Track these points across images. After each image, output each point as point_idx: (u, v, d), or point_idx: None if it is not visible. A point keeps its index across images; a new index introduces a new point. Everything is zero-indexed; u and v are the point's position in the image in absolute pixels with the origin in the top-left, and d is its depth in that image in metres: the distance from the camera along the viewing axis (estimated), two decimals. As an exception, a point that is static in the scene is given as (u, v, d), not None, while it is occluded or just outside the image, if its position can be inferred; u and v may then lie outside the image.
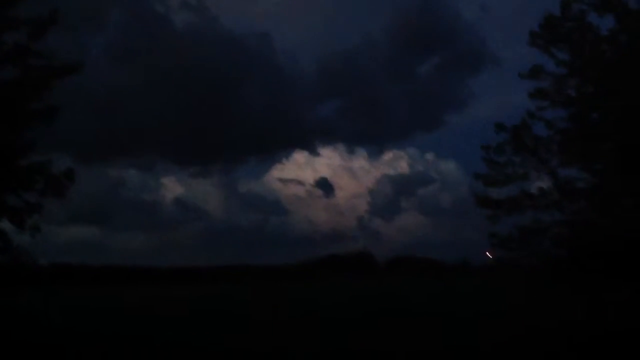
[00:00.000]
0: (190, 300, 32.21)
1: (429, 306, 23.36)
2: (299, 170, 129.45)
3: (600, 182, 27.90)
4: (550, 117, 28.87)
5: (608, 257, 25.26)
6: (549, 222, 28.52)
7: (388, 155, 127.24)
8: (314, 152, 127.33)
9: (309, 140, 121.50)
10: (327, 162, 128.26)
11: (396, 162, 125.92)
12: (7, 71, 21.46)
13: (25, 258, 20.99)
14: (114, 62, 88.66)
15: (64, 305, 28.82)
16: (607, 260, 25.22)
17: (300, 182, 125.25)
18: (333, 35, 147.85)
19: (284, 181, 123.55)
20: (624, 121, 26.27)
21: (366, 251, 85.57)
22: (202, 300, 32.15)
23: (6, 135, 21.14)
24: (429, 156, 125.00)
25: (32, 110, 21.64)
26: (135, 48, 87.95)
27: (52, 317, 21.17)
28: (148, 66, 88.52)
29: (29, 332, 16.55)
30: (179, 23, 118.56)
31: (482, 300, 25.49)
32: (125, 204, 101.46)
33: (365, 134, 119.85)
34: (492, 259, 34.91)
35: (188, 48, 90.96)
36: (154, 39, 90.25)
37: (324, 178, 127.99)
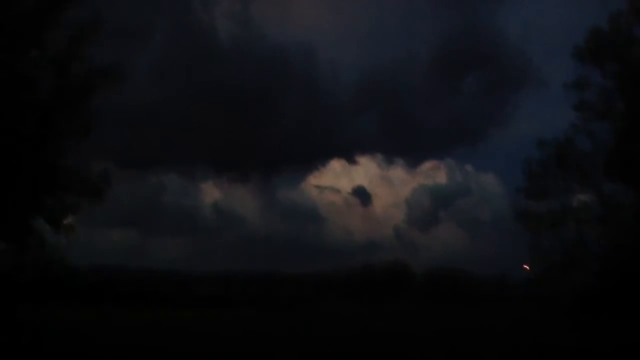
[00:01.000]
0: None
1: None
2: (336, 178, 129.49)
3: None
4: (595, 131, 28.02)
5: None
6: (592, 236, 27.64)
7: (426, 166, 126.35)
8: (352, 160, 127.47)
9: (347, 149, 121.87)
10: (365, 170, 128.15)
11: (434, 172, 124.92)
12: (49, 78, 21.66)
13: (59, 257, 21.12)
14: (158, 70, 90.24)
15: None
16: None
17: (337, 190, 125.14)
18: (376, 49, 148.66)
19: (320, 188, 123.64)
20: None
21: (402, 262, 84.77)
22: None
23: (47, 138, 21.36)
24: (468, 168, 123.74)
25: (73, 113, 21.82)
26: (181, 58, 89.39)
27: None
28: (192, 75, 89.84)
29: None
30: (223, 33, 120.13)
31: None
32: (164, 208, 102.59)
33: (404, 145, 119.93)
34: (529, 272, 33.99)
35: (232, 58, 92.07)
36: (199, 49, 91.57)
37: (361, 187, 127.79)
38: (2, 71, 20.73)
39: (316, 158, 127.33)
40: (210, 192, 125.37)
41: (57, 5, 21.57)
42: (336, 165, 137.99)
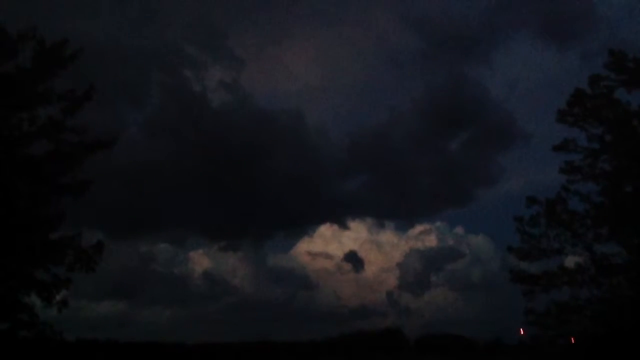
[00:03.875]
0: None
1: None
2: (327, 244, 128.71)
3: (636, 258, 27.04)
4: (584, 192, 28.36)
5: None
6: (586, 298, 27.54)
7: (417, 229, 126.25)
8: (343, 225, 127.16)
9: (338, 214, 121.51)
10: (356, 235, 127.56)
11: (425, 236, 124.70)
12: (40, 145, 21.72)
13: (51, 333, 20.63)
14: (150, 137, 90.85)
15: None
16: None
17: (328, 256, 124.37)
18: (362, 111, 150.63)
19: (312, 255, 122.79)
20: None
21: (395, 327, 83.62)
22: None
23: (37, 209, 21.25)
24: (459, 230, 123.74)
25: (63, 184, 21.79)
26: (171, 125, 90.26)
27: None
28: (182, 142, 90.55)
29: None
30: (215, 101, 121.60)
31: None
32: (154, 278, 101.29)
33: (394, 208, 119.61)
34: (524, 336, 33.44)
35: (222, 125, 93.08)
36: (189, 117, 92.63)
37: (353, 252, 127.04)
38: None
39: (308, 223, 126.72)
40: (201, 261, 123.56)
41: (48, 73, 21.81)
42: (327, 230, 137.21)
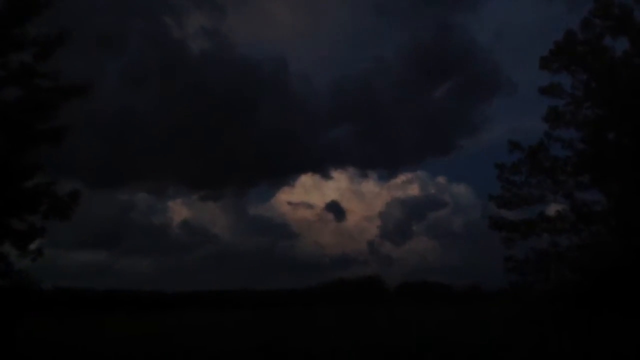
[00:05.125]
0: (196, 327, 31.53)
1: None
2: (309, 193, 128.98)
3: (616, 206, 27.24)
4: (566, 139, 28.34)
5: (626, 282, 24.50)
6: (566, 245, 27.80)
7: (400, 179, 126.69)
8: (326, 175, 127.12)
9: (320, 163, 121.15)
10: (338, 185, 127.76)
11: (407, 185, 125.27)
12: (12, 91, 21.03)
13: (27, 282, 20.36)
14: (129, 85, 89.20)
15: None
16: (625, 286, 24.46)
17: (310, 206, 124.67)
18: (346, 60, 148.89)
19: (293, 204, 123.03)
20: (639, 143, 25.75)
21: (376, 276, 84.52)
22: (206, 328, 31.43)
23: (11, 157, 20.67)
24: (441, 180, 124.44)
25: (38, 131, 21.17)
26: (150, 73, 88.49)
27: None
28: (162, 90, 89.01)
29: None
30: (195, 49, 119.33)
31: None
32: (135, 227, 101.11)
33: (377, 157, 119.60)
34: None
35: (203, 73, 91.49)
36: (169, 64, 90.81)
37: (334, 201, 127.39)
38: None
39: (290, 173, 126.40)
40: (181, 210, 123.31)
41: (21, 18, 21.00)
42: (308, 179, 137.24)
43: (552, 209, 28.52)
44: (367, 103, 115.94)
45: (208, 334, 26.70)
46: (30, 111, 21.09)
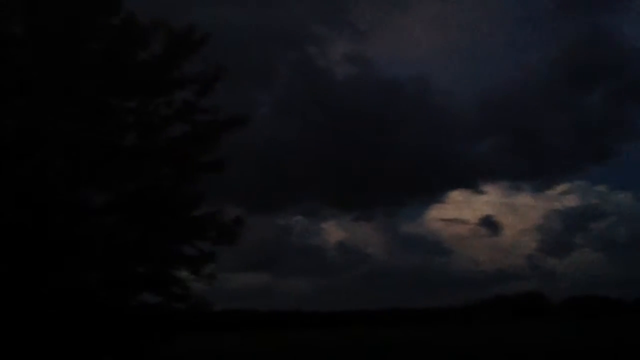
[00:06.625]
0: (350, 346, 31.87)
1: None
2: (460, 209, 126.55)
3: None
4: None
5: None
6: None
7: (556, 190, 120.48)
8: (477, 190, 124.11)
9: (470, 178, 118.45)
10: (490, 199, 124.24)
11: (565, 196, 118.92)
12: (177, 127, 22.69)
13: (203, 305, 21.77)
14: (279, 115, 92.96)
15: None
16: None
17: (462, 222, 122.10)
18: (492, 72, 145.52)
19: (445, 221, 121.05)
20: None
21: (537, 291, 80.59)
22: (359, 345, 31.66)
23: (179, 188, 22.32)
24: (601, 188, 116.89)
25: (201, 163, 22.69)
26: (299, 101, 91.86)
27: None
28: (311, 117, 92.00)
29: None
30: (339, 75, 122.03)
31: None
32: (292, 250, 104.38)
33: (529, 168, 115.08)
34: None
35: (349, 98, 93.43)
36: (317, 92, 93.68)
37: (488, 216, 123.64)
38: (130, 115, 21.95)
39: (439, 190, 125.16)
40: (334, 232, 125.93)
41: (180, 58, 22.56)
42: (459, 195, 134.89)
43: None
44: (515, 113, 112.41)
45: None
46: (194, 144, 22.67)
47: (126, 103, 22.15)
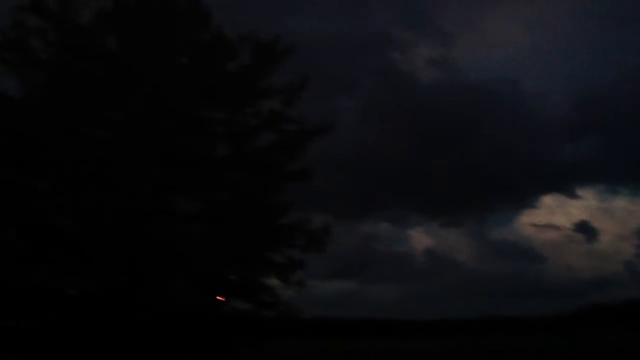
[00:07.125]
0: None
1: None
2: (554, 214, 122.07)
3: None
4: None
5: None
6: None
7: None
8: (571, 194, 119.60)
9: (564, 182, 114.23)
10: (585, 204, 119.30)
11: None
12: (265, 137, 23.12)
13: (292, 312, 22.01)
14: (364, 122, 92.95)
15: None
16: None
17: (556, 227, 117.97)
18: (585, 73, 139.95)
19: (538, 227, 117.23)
20: None
21: (636, 299, 76.82)
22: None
23: (268, 196, 22.73)
24: None
25: (289, 172, 23.02)
26: (384, 107, 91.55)
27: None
28: (397, 123, 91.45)
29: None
30: (425, 79, 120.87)
31: None
32: (379, 257, 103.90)
33: (627, 171, 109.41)
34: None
35: (435, 102, 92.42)
36: (401, 97, 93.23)
37: (583, 221, 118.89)
38: (220, 126, 22.57)
39: (530, 194, 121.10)
40: (422, 238, 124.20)
41: (267, 69, 22.98)
42: (552, 200, 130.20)
43: None
44: (610, 114, 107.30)
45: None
46: (282, 153, 23.04)
47: (216, 114, 22.81)
